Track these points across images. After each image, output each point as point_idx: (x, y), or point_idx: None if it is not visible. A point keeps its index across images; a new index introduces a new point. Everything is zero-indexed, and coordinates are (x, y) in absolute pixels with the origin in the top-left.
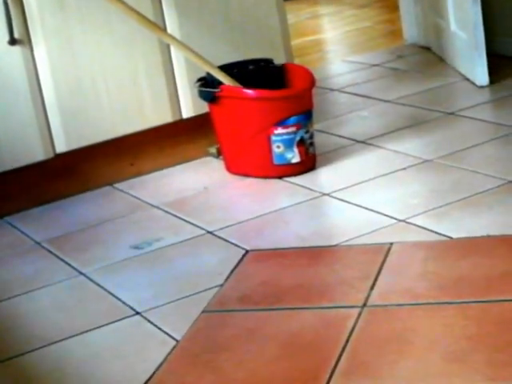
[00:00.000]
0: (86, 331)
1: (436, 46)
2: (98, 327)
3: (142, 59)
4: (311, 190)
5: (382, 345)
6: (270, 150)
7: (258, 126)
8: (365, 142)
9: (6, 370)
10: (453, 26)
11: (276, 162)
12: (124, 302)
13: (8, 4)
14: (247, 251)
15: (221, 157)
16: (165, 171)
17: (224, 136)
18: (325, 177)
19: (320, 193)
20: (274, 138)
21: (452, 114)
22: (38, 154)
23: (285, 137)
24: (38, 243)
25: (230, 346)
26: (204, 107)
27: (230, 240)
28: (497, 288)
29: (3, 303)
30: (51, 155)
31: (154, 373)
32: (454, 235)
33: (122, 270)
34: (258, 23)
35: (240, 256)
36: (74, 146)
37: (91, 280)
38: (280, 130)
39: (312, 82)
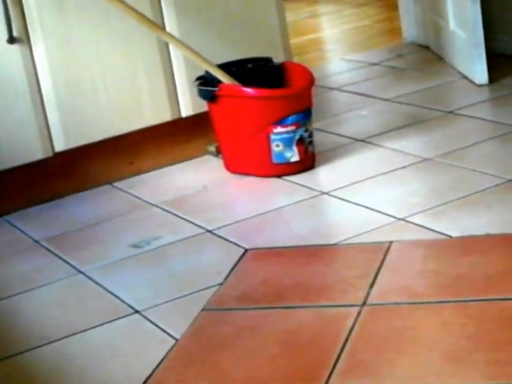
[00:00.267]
0: (86, 330)
1: (435, 45)
2: (97, 326)
3: (141, 58)
4: (310, 188)
5: (382, 343)
6: (269, 149)
7: (257, 124)
8: (364, 141)
9: (5, 368)
10: (452, 25)
11: (275, 160)
12: (123, 301)
13: (7, 3)
14: (246, 250)
15: (220, 155)
16: (164, 170)
17: (223, 135)
18: (324, 176)
19: (319, 191)
20: (273, 136)
21: (451, 112)
22: (36, 152)
23: (284, 135)
24: (37, 242)
25: (230, 345)
26: (203, 106)
27: (230, 239)
28: (496, 287)
29: (2, 302)
30: (50, 154)
31: (153, 371)
32: (454, 234)
33: (121, 269)
34: (257, 22)
35: (239, 255)
36: (73, 144)
37: (90, 279)
38: (279, 129)
39: (311, 80)
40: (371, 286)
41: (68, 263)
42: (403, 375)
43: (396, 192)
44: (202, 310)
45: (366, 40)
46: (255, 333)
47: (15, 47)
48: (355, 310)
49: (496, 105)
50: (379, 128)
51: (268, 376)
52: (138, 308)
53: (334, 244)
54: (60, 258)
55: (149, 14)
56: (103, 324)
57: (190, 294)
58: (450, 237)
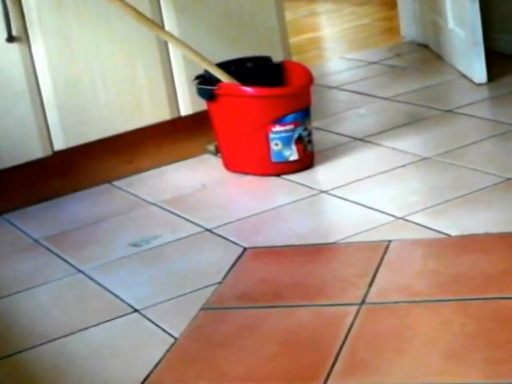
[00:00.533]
0: (85, 328)
1: (434, 44)
2: (96, 324)
3: (140, 57)
4: (309, 187)
5: (380, 342)
6: (268, 148)
7: (256, 123)
8: (363, 140)
9: (4, 367)
10: (451, 24)
11: (274, 159)
12: (122, 300)
13: (6, 2)
14: (245, 249)
15: (219, 154)
16: (163, 169)
17: (222, 133)
18: (323, 174)
19: (318, 190)
20: (272, 135)
21: (450, 111)
22: (36, 151)
23: (283, 134)
24: (37, 241)
25: (229, 344)
26: (202, 105)
27: (229, 237)
28: (495, 285)
29: (2, 300)
30: (49, 153)
31: (152, 370)
32: (453, 233)
33: (121, 268)
34: (256, 21)
35: (238, 253)
36: (72, 143)
37: (90, 277)
38: (278, 128)
39: (310, 79)
40: (370, 284)
41: (67, 262)
42: (402, 374)
43: (395, 191)
44: (201, 308)
45: (365, 39)
46: (254, 332)
47: (14, 46)
48: (354, 308)
49: (495, 104)
50: (378, 127)
51: (267, 375)
52: (137, 307)
53: (333, 243)
54: (59, 257)
55: (148, 13)
56: (103, 323)
57: (189, 292)
58: (449, 236)
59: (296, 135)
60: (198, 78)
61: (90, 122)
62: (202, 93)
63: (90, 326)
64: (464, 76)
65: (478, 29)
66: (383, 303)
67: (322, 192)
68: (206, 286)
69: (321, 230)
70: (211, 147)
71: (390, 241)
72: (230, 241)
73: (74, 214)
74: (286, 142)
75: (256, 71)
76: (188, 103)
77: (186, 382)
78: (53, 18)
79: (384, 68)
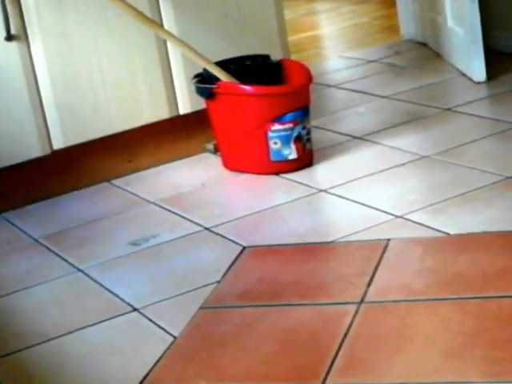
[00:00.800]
0: (84, 327)
1: (433, 42)
2: (95, 323)
3: (139, 55)
4: (308, 186)
5: (380, 341)
6: (267, 147)
7: (255, 122)
8: (362, 138)
9: (3, 366)
10: (450, 22)
11: (273, 158)
12: (121, 299)
13: (5, 0)
14: (244, 247)
15: (218, 153)
16: (162, 167)
17: (221, 132)
18: (322, 173)
19: (317, 189)
20: (270, 134)
21: (449, 109)
22: (35, 150)
23: (282, 133)
24: (36, 239)
25: (228, 342)
26: (201, 103)
27: (228, 236)
28: (494, 284)
29: (1, 299)
30: (48, 152)
31: (151, 369)
32: (452, 231)
33: (120, 267)
34: (255, 19)
35: (237, 252)
36: (71, 142)
37: (89, 276)
38: (277, 126)
39: (309, 78)
40: (369, 283)
41: (66, 261)
42: (401, 373)
43: (394, 189)
44: (201, 307)
45: (364, 37)
46: (253, 330)
47: (13, 45)
48: (353, 307)
49: (494, 102)
50: (377, 125)
51: (266, 374)
52: (136, 306)
53: (332, 242)
54: (58, 255)
55: (147, 12)
56: (102, 322)
57: (189, 291)
58: (448, 234)
59: (295, 134)
60: (196, 76)
61: (88, 121)
62: (201, 91)
63: (89, 325)
64: (463, 74)
65: (477, 27)
66: (382, 302)
67: (321, 191)
68: (205, 285)
69: (320, 228)
70: (210, 146)
71: (388, 239)
72: (229, 239)
73: (73, 213)
74: (285, 140)
75: (255, 70)
76: (187, 102)
77: (185, 380)
78: (52, 16)
79: (383, 66)
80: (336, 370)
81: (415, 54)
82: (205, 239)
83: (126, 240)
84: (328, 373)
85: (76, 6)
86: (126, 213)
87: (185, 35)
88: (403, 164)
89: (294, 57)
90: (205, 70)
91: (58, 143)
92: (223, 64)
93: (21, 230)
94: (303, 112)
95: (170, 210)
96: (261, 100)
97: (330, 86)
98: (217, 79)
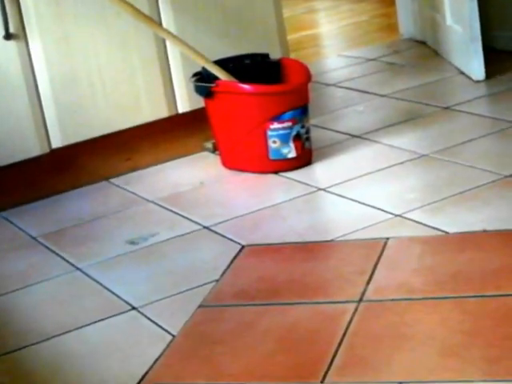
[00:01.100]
0: (83, 326)
1: (432, 41)
2: (94, 322)
3: (138, 54)
4: (307, 184)
5: (379, 339)
6: (265, 145)
7: (253, 120)
8: (361, 137)
9: (2, 364)
10: (449, 20)
11: (272, 156)
12: (120, 297)
13: None
14: (243, 246)
15: (217, 152)
16: (161, 166)
17: (220, 131)
18: (321, 172)
19: (316, 188)
20: (269, 132)
21: (448, 108)
22: (33, 149)
23: (281, 132)
24: (34, 238)
25: (226, 341)
26: (200, 102)
27: (226, 235)
28: (493, 283)
29: (0, 298)
30: (47, 150)
31: (150, 367)
32: (450, 230)
33: (118, 265)
34: (254, 18)
35: (236, 251)
36: (70, 141)
37: (87, 275)
38: (276, 125)
39: (308, 76)
40: (368, 282)
41: (65, 260)
42: (400, 371)
43: (393, 188)
44: (199, 306)
45: (363, 36)
46: (252, 329)
47: (12, 43)
48: (352, 306)
49: (493, 101)
50: (376, 124)
51: (265, 372)
52: (134, 304)
53: (331, 240)
54: (57, 254)
55: (145, 10)
56: (100, 320)
57: (187, 290)
58: (447, 233)
59: (294, 132)
60: (195, 75)
61: (87, 120)
62: (200, 90)
63: (88, 324)
64: (462, 73)
65: (476, 26)
66: (381, 301)
67: (320, 189)
68: (204, 284)
69: (319, 227)
70: (209, 144)
71: (387, 238)
72: (228, 238)
73: (71, 212)
74: (284, 139)
75: (254, 68)
76: (186, 100)
77: (184, 379)
78: (50, 15)
79: (382, 65)
80: (335, 369)
81: (414, 53)
82: (204, 238)
83: (125, 239)
84: (327, 371)
85: (75, 5)
86: (125, 211)
87: (183, 34)
88: (402, 163)
89: (292, 55)
90: (203, 68)
91: (57, 142)
92: (222, 63)
93: (19, 228)
94: (302, 111)
95: (168, 209)
96: (260, 99)
97: (328, 84)
98: (215, 78)
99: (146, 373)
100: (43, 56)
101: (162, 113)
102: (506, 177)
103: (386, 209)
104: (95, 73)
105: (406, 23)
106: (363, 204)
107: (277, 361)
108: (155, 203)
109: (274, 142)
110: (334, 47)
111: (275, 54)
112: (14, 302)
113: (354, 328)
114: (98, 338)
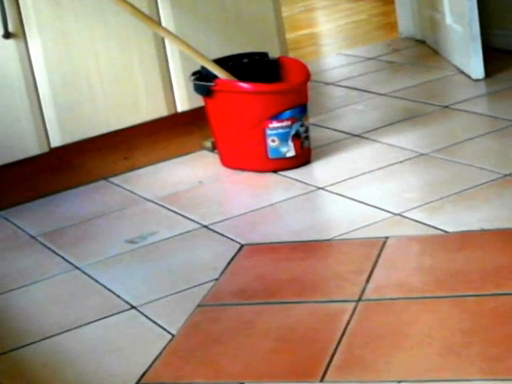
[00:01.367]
0: (81, 325)
1: (431, 39)
2: (93, 321)
3: (137, 53)
4: (306, 183)
5: (377, 339)
6: (264, 144)
7: (252, 119)
8: (360, 136)
9: (0, 364)
10: (448, 19)
11: (271, 155)
12: (119, 296)
13: None
14: (242, 245)
15: (216, 151)
16: (159, 165)
17: (219, 130)
18: (320, 171)
19: (315, 187)
20: (268, 131)
21: (447, 107)
22: (32, 148)
23: (280, 131)
24: (33, 237)
25: (225, 340)
26: (199, 101)
27: (225, 234)
28: (492, 282)
29: None
30: (46, 149)
31: (149, 367)
32: (450, 229)
33: (117, 265)
34: (252, 16)
35: (235, 250)
36: (69, 140)
37: (86, 274)
38: (275, 124)
39: (307, 75)
40: (367, 281)
41: (64, 259)
42: (399, 370)
43: (392, 187)
44: (198, 305)
45: (362, 34)
46: (251, 328)
47: (11, 42)
48: (351, 305)
49: (492, 99)
50: (375, 123)
51: (264, 371)
52: (134, 303)
53: (330, 239)
54: (56, 253)
55: (145, 9)
56: (99, 320)
57: (186, 289)
58: (446, 232)
59: (293, 131)
60: (194, 74)
61: (86, 119)
62: (199, 89)
63: (87, 323)
64: (461, 72)
65: (476, 24)
66: (380, 300)
67: (319, 188)
68: (203, 283)
69: (318, 226)
70: (208, 143)
71: (386, 237)
72: (227, 237)
73: (70, 211)
74: (283, 138)
75: (253, 67)
76: (185, 99)
77: (183, 378)
78: (49, 14)
79: (381, 64)
80: (334, 368)
81: (413, 52)
82: (202, 237)
83: (124, 238)
84: (326, 370)
85: (74, 4)
86: (124, 211)
87: (182, 33)
88: (401, 162)
89: (291, 54)
90: (203, 67)
91: (56, 141)
92: (221, 61)
93: (18, 227)
94: (301, 109)
95: (167, 208)
96: (259, 98)
97: (327, 83)
98: (215, 77)
99: (145, 372)
100: (42, 55)
101: (161, 112)
102: (505, 176)
103: (385, 208)
104: (94, 72)
105: (405, 22)
106: (362, 203)
107: (276, 360)
108: (154, 202)
109: (273, 140)
110: (332, 46)
111: (274, 53)
112: (13, 301)
113: (352, 327)
114: (97, 337)
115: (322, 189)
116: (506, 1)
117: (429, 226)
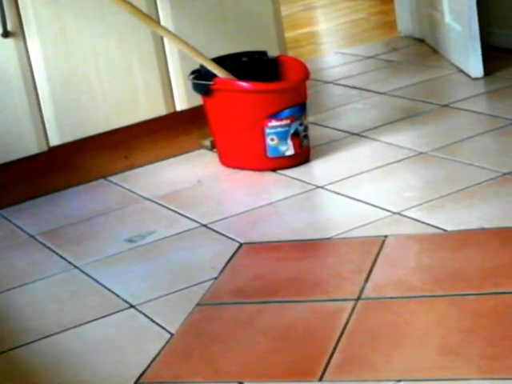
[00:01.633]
0: (80, 324)
1: (430, 38)
2: (92, 320)
3: (136, 52)
4: (305, 182)
5: (376, 337)
6: (263, 143)
7: (251, 118)
8: (359, 135)
9: None
10: (447, 18)
11: (270, 154)
12: (118, 295)
13: None
14: (241, 244)
15: (215, 149)
16: (158, 164)
17: (218, 129)
18: (319, 169)
19: (314, 185)
20: (267, 130)
21: (446, 106)
22: (31, 147)
23: (279, 129)
24: (32, 236)
25: (225, 339)
26: (198, 100)
27: (224, 233)
28: (491, 280)
29: None
30: (45, 148)
31: (148, 366)
32: (449, 228)
33: (116, 264)
34: (251, 15)
35: (234, 249)
36: (68, 139)
37: (85, 273)
38: (274, 123)
39: (306, 74)
40: (366, 280)
41: (63, 258)
42: (398, 368)
43: (391, 186)
44: (197, 304)
45: (361, 33)
46: (250, 327)
47: (9, 41)
48: (350, 304)
49: (491, 98)
50: (374, 122)
51: (263, 370)
52: (132, 302)
53: (329, 238)
54: (55, 252)
55: (143, 8)
56: (98, 319)
57: (185, 288)
58: (445, 231)
59: (292, 130)
60: (193, 72)
61: (85, 118)
62: (198, 88)
63: (86, 322)
64: (460, 70)
65: (475, 23)
66: (379, 299)
67: (318, 187)
68: (202, 282)
69: (317, 225)
70: (207, 142)
71: (385, 236)
72: (226, 236)
73: (69, 210)
74: (282, 136)
75: (252, 66)
76: (184, 98)
77: (182, 377)
78: (48, 13)
79: (380, 63)
80: (333, 367)
81: (412, 50)
82: (201, 236)
83: (123, 237)
84: (325, 369)
85: (73, 3)
86: (123, 209)
87: (181, 31)
88: (400, 160)
89: (290, 53)
90: (201, 66)
91: (55, 140)
92: (220, 60)
93: (17, 226)
94: (300, 108)
95: (166, 207)
96: (258, 96)
97: (326, 82)
98: (213, 76)
99: (144, 371)
100: (41, 54)
101: (160, 111)
102: (504, 174)
103: (384, 207)
104: (93, 71)
105: (404, 21)
106: (361, 202)
107: (275, 359)
108: (153, 201)
109: (272, 139)
110: (331, 44)
111: (273, 52)
112: (12, 300)
113: (352, 326)
114: (96, 336)
115: (321, 187)
116: (505, 0)
117: (428, 224)
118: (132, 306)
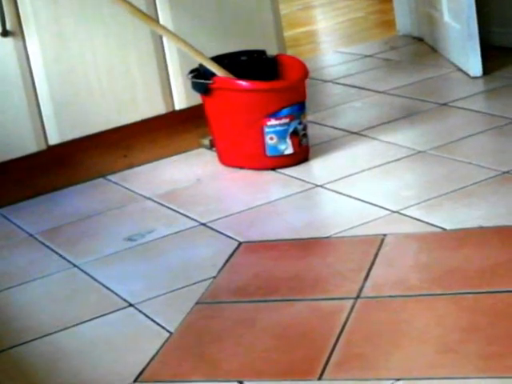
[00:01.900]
0: (79, 323)
1: (429, 37)
2: (91, 319)
3: (135, 51)
4: (304, 181)
5: (376, 336)
6: (263, 142)
7: (250, 117)
8: (358, 134)
9: None
10: (446, 17)
11: (269, 153)
12: (117, 294)
13: None
14: (240, 243)
15: (214, 148)
16: (157, 163)
17: (217, 127)
18: (318, 168)
19: (313, 184)
20: (266, 129)
21: (445, 104)
22: (30, 145)
23: (278, 128)
24: (31, 235)
25: (224, 338)
26: (197, 99)
27: (224, 232)
28: (490, 279)
29: None
30: (44, 147)
31: (147, 364)
32: (448, 226)
33: (115, 262)
34: (250, 14)
35: (233, 248)
36: (67, 137)
37: (84, 272)
38: (273, 122)
39: (305, 73)
40: (365, 278)
41: (62, 257)
42: (397, 367)
43: (390, 185)
44: (197, 303)
45: (359, 32)
46: (249, 326)
47: (9, 40)
48: (349, 303)
49: (490, 97)
50: (373, 120)
51: (262, 369)
52: (132, 301)
53: (328, 237)
54: (54, 251)
55: (143, 7)
56: (97, 317)
57: (184, 287)
58: (444, 229)
59: (291, 129)
60: (192, 71)
61: (84, 117)
62: (197, 87)
63: (85, 321)
64: (459, 69)
65: (474, 22)
66: (378, 297)
67: (317, 186)
68: (201, 281)
69: (316, 223)
70: (206, 141)
71: (385, 235)
72: (225, 235)
73: (68, 209)
74: (281, 135)
75: (251, 65)
76: (183, 97)
77: (181, 376)
78: (47, 12)
79: (379, 61)
80: (332, 366)
81: (411, 49)
82: (201, 235)
83: (122, 236)
84: (324, 368)
85: (72, 2)
86: (122, 208)
87: (180, 30)
88: (399, 159)
89: (289, 52)
90: (201, 65)
91: (54, 139)
92: (219, 59)
93: (16, 225)
94: (299, 107)
95: (165, 206)
96: (257, 95)
97: (325, 81)
98: (213, 74)
99: (143, 369)
100: (40, 53)
101: (159, 109)
102: (503, 173)
103: (383, 205)
104: (92, 70)
105: (403, 19)
106: (360, 200)
107: (274, 358)
108: (152, 200)
109: (271, 138)
110: (330, 43)
111: (272, 51)
112: (11, 298)
113: (351, 325)
114: (95, 335)
115: (321, 186)
116: None
117: (427, 223)
118: (131, 305)
